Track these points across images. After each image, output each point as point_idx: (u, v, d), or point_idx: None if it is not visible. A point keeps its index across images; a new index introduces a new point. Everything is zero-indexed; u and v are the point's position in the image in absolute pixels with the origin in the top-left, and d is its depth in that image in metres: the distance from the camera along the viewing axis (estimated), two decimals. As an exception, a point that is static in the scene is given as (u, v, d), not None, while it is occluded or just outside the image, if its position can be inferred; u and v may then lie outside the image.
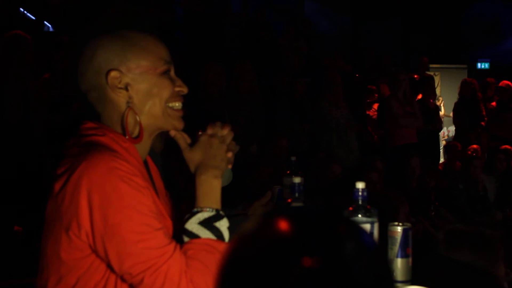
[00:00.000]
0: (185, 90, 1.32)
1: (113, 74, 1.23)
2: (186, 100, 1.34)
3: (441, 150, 6.82)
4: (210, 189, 1.27)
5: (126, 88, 1.24)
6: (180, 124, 1.31)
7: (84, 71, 1.26)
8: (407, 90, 5.70)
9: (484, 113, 6.84)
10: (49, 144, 3.68)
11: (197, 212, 1.25)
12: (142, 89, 1.25)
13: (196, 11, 6.30)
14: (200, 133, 1.33)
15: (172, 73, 1.31)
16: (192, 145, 1.32)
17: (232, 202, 2.00)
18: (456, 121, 7.02)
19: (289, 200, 1.94)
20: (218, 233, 1.23)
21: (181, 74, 1.33)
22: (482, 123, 6.79)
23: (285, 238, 0.58)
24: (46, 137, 3.78)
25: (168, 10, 6.42)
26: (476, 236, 1.90)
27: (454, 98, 7.26)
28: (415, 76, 7.09)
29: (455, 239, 1.92)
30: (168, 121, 1.29)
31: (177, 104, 1.31)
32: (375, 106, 6.84)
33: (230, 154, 1.32)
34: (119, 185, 1.12)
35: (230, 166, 1.34)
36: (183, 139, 1.32)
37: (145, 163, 1.33)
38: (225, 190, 1.92)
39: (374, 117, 6.64)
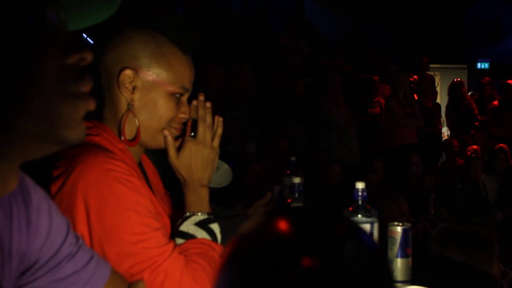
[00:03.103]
0: (187, 117, 1.30)
1: (127, 72, 1.21)
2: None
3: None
4: (198, 198, 1.30)
5: (132, 90, 1.23)
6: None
7: (108, 53, 1.24)
8: (407, 90, 5.71)
9: (476, 111, 6.81)
10: None
11: (191, 215, 1.27)
12: (146, 98, 1.23)
13: (196, 11, 6.29)
14: (192, 134, 1.31)
15: (184, 98, 1.29)
16: (179, 148, 1.30)
17: (231, 203, 2.00)
18: (449, 122, 7.02)
19: (289, 200, 1.93)
20: (213, 235, 1.26)
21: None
22: (476, 123, 6.77)
23: (284, 238, 0.58)
24: None
25: (168, 10, 6.42)
26: (466, 236, 1.92)
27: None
28: (415, 76, 7.07)
29: (445, 238, 1.93)
30: (159, 139, 1.27)
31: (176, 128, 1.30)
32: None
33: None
34: (115, 187, 1.11)
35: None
36: (172, 144, 1.29)
37: (140, 165, 1.33)
38: (224, 190, 1.93)
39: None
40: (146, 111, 1.24)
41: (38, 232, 0.84)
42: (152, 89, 1.23)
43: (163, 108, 1.25)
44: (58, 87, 0.66)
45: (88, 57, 0.69)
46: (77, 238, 0.93)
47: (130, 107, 1.23)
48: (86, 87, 0.70)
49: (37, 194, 0.85)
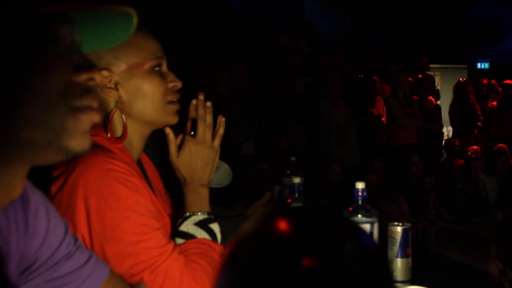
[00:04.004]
0: (179, 84, 1.29)
1: (103, 73, 1.20)
2: (185, 100, 1.32)
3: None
4: (198, 198, 1.29)
5: (116, 87, 1.22)
6: (175, 119, 1.29)
7: None
8: (407, 90, 5.71)
9: (479, 112, 6.82)
10: None
11: (191, 215, 1.27)
12: (131, 87, 1.22)
13: (196, 11, 6.29)
14: (192, 133, 1.31)
15: (164, 67, 1.28)
16: (180, 147, 1.30)
17: (231, 203, 2.00)
18: (452, 122, 7.01)
19: (289, 200, 1.93)
20: (212, 235, 1.25)
21: (180, 74, 1.32)
22: (479, 123, 6.78)
23: (284, 238, 0.58)
24: None
25: (168, 10, 6.42)
26: (464, 235, 1.92)
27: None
28: (420, 76, 7.05)
29: (444, 237, 1.94)
30: (163, 118, 1.27)
31: (174, 100, 1.29)
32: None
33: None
34: (115, 187, 1.11)
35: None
36: (174, 142, 1.30)
37: (139, 163, 1.33)
38: (225, 190, 1.93)
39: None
40: (138, 99, 1.23)
41: (36, 233, 0.85)
42: (132, 76, 1.23)
43: (151, 88, 1.23)
44: (65, 100, 0.70)
45: (97, 77, 0.74)
46: (76, 239, 0.95)
47: (117, 104, 1.22)
48: (92, 103, 0.74)
49: (35, 196, 0.86)
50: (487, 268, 1.86)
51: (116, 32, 0.81)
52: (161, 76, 1.26)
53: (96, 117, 0.74)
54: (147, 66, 1.24)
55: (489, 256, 1.89)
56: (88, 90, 0.73)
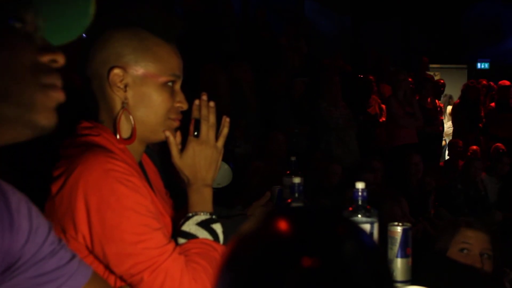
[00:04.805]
0: (185, 106, 1.29)
1: (116, 71, 1.21)
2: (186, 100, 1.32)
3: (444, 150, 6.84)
4: (201, 198, 1.29)
5: (125, 88, 1.22)
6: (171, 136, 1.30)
7: (93, 57, 1.24)
8: (407, 90, 5.71)
9: (482, 114, 6.84)
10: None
11: (193, 215, 1.27)
12: (140, 93, 1.23)
13: (196, 11, 6.29)
14: (195, 134, 1.31)
15: (177, 86, 1.29)
16: (183, 149, 1.30)
17: (231, 203, 2.00)
18: (455, 121, 7.02)
19: (289, 200, 1.93)
20: (215, 235, 1.25)
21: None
22: (480, 124, 6.79)
23: (284, 238, 0.58)
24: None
25: (168, 10, 6.42)
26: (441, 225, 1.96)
27: (454, 98, 7.27)
28: (424, 76, 7.06)
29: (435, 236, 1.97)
30: (159, 132, 1.27)
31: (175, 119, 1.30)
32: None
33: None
34: (116, 187, 1.11)
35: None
36: (174, 145, 1.30)
37: (140, 164, 1.33)
38: (225, 190, 1.93)
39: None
40: (142, 107, 1.24)
41: (20, 229, 0.87)
42: (144, 83, 1.23)
43: (158, 100, 1.24)
44: (33, 77, 0.74)
45: (60, 59, 0.77)
46: (60, 239, 0.96)
47: (124, 105, 1.23)
48: (58, 82, 0.77)
49: (16, 197, 0.88)
50: (447, 250, 1.88)
51: (75, 20, 0.83)
52: (171, 93, 1.27)
53: (62, 96, 0.77)
54: (162, 79, 1.24)
55: (451, 238, 1.90)
56: (53, 70, 0.77)
